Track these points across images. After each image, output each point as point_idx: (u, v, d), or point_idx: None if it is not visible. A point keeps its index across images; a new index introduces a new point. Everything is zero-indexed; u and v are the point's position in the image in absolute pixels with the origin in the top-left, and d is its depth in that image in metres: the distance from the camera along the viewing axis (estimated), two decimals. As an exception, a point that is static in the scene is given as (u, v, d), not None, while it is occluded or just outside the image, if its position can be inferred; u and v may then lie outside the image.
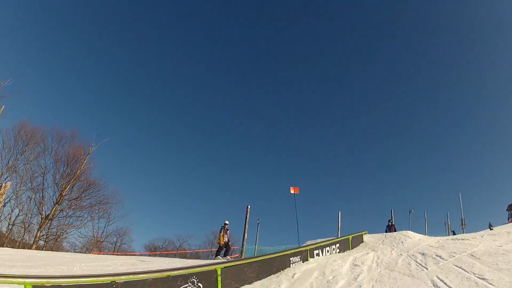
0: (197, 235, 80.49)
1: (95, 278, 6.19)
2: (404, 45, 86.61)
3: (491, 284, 6.68)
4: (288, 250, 11.16)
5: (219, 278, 8.37)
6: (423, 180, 78.58)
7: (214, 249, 40.06)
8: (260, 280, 9.32)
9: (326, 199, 75.11)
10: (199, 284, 7.92)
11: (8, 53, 52.60)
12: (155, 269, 8.33)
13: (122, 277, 6.57)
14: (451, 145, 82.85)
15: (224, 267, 8.68)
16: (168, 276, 7.37)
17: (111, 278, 6.37)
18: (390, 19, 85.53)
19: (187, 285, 7.64)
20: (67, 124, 72.67)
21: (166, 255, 32.70)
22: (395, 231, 18.95)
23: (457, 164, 79.70)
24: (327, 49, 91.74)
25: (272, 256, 10.29)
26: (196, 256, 37.83)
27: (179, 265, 9.61)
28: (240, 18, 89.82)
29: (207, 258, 35.39)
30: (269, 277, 9.57)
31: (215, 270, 8.40)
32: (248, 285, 8.95)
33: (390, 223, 20.19)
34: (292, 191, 19.34)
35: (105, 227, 37.04)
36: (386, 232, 19.46)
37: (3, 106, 25.59)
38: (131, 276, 6.76)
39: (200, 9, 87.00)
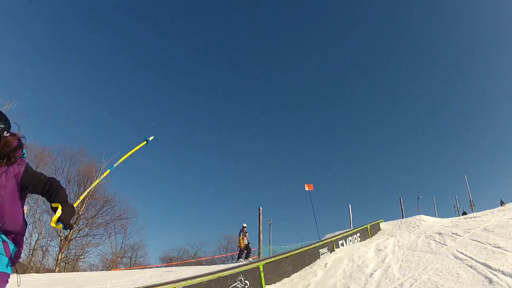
0: (209, 241, 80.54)
1: (158, 287, 6.99)
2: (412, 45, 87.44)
3: (506, 250, 7.68)
4: (316, 243, 12.02)
5: (262, 274, 9.07)
6: (429, 166, 79.69)
7: (230, 254, 40.98)
8: (296, 272, 10.12)
9: (334, 191, 76.11)
10: (246, 281, 8.65)
11: (8, 73, 53.16)
12: (207, 272, 8.84)
13: (181, 283, 7.20)
14: (455, 129, 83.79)
15: (265, 263, 9.43)
16: (219, 277, 7.96)
17: (172, 285, 7.11)
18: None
19: (236, 283, 8.30)
20: (74, 142, 72.09)
21: (184, 264, 33.34)
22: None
23: (463, 146, 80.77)
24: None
25: (304, 249, 11.17)
26: (212, 262, 38.49)
27: (226, 267, 10.44)
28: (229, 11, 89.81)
29: (223, 263, 36.09)
30: (304, 268, 10.39)
31: (258, 267, 9.13)
32: (287, 278, 9.71)
33: None
34: (306, 188, 20.17)
35: (122, 243, 37.75)
36: None
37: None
38: (188, 281, 7.36)
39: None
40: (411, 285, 7.04)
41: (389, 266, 8.85)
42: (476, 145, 78.95)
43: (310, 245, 11.85)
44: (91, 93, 71.64)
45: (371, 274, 8.39)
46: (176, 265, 32.46)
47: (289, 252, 10.70)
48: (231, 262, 28.16)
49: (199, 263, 35.62)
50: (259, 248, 21.81)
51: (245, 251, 18.89)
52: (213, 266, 20.86)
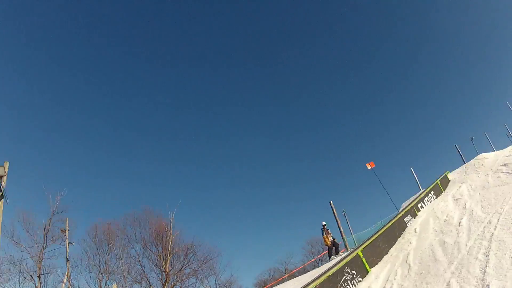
0: (295, 252, 79.91)
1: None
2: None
3: None
4: (399, 213, 12.45)
5: (364, 260, 9.73)
6: (472, 104, 78.39)
7: (318, 256, 41.37)
8: (392, 247, 10.63)
9: (393, 162, 75.84)
10: (353, 271, 9.26)
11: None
12: (316, 276, 9.07)
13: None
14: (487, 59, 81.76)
15: (363, 248, 10.03)
16: (329, 276, 8.66)
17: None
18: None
19: (345, 276, 9.00)
20: (135, 205, 72.59)
21: (279, 282, 33.86)
22: None
23: (499, 74, 78.59)
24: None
25: (391, 223, 11.60)
26: (303, 271, 38.62)
27: (330, 265, 11.03)
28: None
29: (314, 268, 36.23)
30: (397, 241, 10.94)
31: (358, 255, 9.74)
32: (386, 255, 10.26)
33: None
34: (369, 167, 20.61)
35: (216, 283, 38.64)
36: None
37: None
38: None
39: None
40: (498, 219, 7.77)
41: (472, 210, 9.52)
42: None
43: (395, 217, 12.22)
44: (129, 152, 73.96)
45: (459, 223, 9.09)
46: (272, 286, 33.12)
47: (379, 231, 11.17)
48: (322, 264, 28.53)
49: (293, 276, 35.95)
50: (343, 240, 22.40)
51: (333, 247, 19.35)
52: (306, 274, 21.44)
